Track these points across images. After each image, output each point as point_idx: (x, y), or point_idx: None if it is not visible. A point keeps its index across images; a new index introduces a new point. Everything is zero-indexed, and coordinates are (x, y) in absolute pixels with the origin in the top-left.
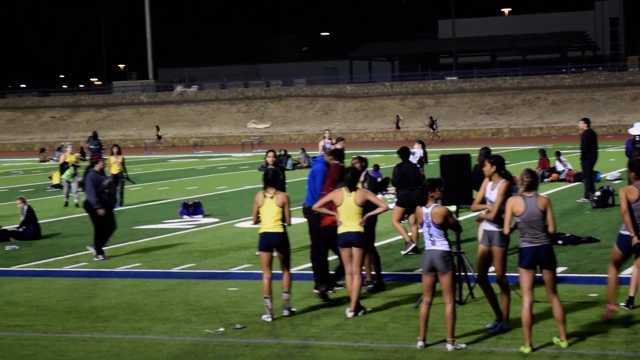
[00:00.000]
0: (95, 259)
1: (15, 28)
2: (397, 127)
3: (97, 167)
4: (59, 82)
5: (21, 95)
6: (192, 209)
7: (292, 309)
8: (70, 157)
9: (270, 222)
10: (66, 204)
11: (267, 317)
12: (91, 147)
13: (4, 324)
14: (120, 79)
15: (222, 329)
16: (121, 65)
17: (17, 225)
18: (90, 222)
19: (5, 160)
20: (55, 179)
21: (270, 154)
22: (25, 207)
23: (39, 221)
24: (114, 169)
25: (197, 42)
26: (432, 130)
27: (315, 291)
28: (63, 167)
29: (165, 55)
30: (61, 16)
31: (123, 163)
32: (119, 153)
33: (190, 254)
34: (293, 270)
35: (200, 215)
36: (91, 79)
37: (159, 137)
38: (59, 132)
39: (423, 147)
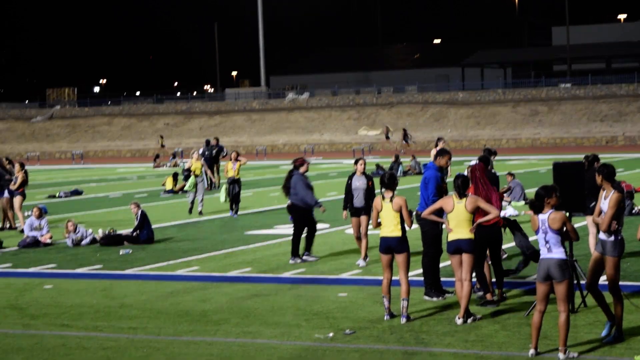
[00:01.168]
0: (306, 259)
1: (128, 37)
2: (387, 138)
3: (302, 170)
4: (173, 90)
5: (136, 102)
6: None
7: (410, 316)
8: (196, 163)
9: (389, 226)
10: (190, 211)
11: (386, 316)
12: (205, 153)
13: (117, 326)
14: (233, 86)
15: (331, 334)
16: (234, 73)
17: (131, 230)
18: (294, 224)
19: (120, 165)
20: (169, 185)
21: (361, 161)
22: (139, 212)
23: (153, 226)
24: (231, 174)
25: (309, 49)
26: (404, 143)
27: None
28: (187, 173)
29: (277, 62)
30: (175, 25)
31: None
32: (237, 159)
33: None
34: None
35: None
36: (204, 86)
37: (163, 147)
38: (172, 138)
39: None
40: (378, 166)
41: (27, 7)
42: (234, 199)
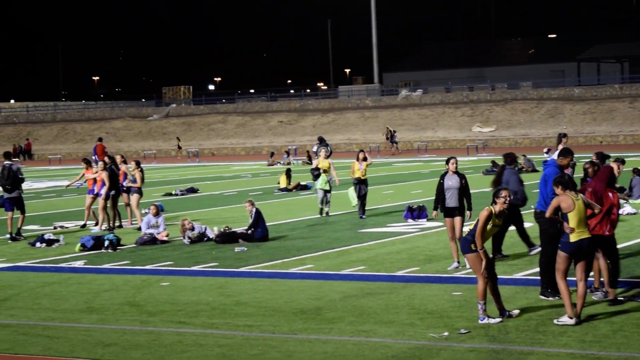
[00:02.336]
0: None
1: (241, 36)
2: (387, 139)
3: (513, 165)
4: (286, 87)
5: (250, 100)
6: (416, 212)
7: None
8: (323, 162)
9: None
10: (321, 212)
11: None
12: (314, 150)
13: (233, 324)
14: (346, 83)
15: (446, 334)
16: (347, 70)
17: (246, 228)
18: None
19: (235, 163)
20: (283, 183)
21: (452, 160)
22: (254, 210)
23: (267, 223)
24: (358, 175)
25: (422, 45)
26: (391, 144)
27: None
28: (314, 172)
29: (390, 59)
30: (289, 23)
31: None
32: (364, 159)
33: (414, 258)
34: (518, 275)
35: (425, 219)
36: (318, 84)
37: (179, 148)
38: (286, 136)
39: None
40: (494, 163)
41: (143, 9)
42: (361, 200)
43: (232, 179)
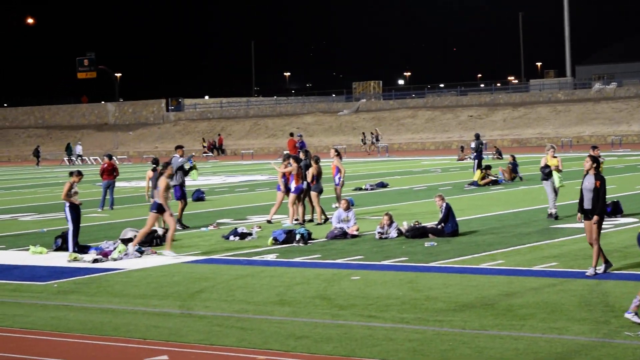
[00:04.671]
0: None
1: (426, 29)
2: (373, 143)
3: None
4: (476, 81)
5: (440, 94)
6: (610, 208)
7: None
8: (552, 160)
9: None
10: (551, 215)
11: None
12: (472, 146)
13: (423, 319)
14: (537, 77)
15: None
16: (538, 64)
17: (436, 222)
18: None
19: (424, 158)
20: (476, 177)
21: (587, 158)
22: (444, 205)
23: (457, 218)
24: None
25: (616, 37)
26: (373, 143)
27: None
28: (544, 170)
29: (583, 52)
30: (479, 16)
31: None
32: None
33: (609, 254)
34: None
35: (619, 215)
36: (508, 78)
37: (205, 147)
38: (475, 130)
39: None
40: None
41: (336, 5)
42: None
43: (421, 174)
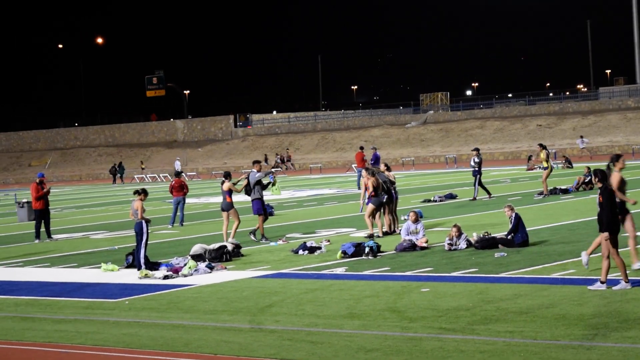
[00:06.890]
0: None
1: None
2: (282, 161)
3: None
4: (545, 90)
5: (508, 104)
6: None
7: None
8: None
9: None
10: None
11: None
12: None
13: (494, 330)
14: (607, 84)
15: None
16: (607, 71)
17: (506, 233)
18: None
19: (493, 168)
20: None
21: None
22: (514, 215)
23: (527, 229)
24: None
25: None
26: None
27: None
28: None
29: None
30: (546, 25)
31: None
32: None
33: None
34: None
35: None
36: (577, 86)
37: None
38: (544, 139)
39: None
40: None
41: (403, 16)
42: None
43: (490, 184)
